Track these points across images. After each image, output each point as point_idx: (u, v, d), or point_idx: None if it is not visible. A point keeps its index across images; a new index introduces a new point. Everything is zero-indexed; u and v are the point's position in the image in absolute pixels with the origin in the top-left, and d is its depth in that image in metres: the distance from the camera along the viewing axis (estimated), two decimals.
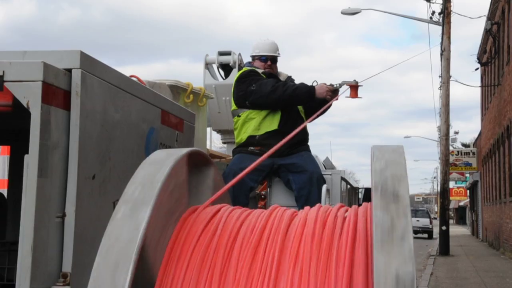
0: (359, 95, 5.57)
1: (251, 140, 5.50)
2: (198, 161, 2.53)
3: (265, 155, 3.29)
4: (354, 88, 5.56)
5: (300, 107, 5.70)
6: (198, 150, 2.55)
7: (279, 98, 5.41)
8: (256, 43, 5.85)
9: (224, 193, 2.59)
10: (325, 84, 5.55)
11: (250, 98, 5.48)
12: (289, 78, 5.88)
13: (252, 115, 5.54)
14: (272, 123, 5.50)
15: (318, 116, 4.99)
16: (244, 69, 5.78)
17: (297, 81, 5.86)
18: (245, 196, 5.26)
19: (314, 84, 5.60)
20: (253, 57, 5.83)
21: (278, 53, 5.84)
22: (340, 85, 5.58)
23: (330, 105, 5.38)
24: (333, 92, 5.54)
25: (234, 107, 5.72)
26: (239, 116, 5.64)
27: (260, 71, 5.69)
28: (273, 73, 5.76)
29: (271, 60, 5.76)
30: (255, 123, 5.50)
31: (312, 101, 5.52)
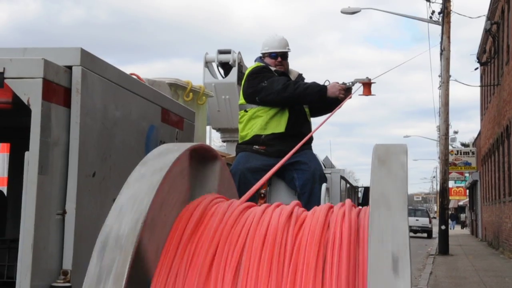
0: (372, 92, 5.53)
1: (256, 138, 5.41)
2: (204, 156, 2.55)
3: (280, 163, 3.34)
4: (367, 85, 5.51)
5: (306, 109, 5.63)
6: (204, 145, 2.56)
7: (289, 96, 5.31)
8: (265, 40, 5.71)
9: (233, 194, 2.62)
10: (337, 83, 5.46)
11: (260, 94, 5.37)
12: (300, 76, 5.78)
13: (260, 113, 5.44)
14: (279, 125, 5.41)
15: (332, 115, 4.96)
16: (257, 64, 5.64)
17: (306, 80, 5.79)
18: (251, 197, 5.19)
19: (326, 83, 5.51)
20: (263, 54, 5.68)
21: (288, 49, 5.69)
22: (353, 83, 5.51)
23: (343, 104, 5.35)
24: (346, 90, 5.46)
25: (242, 101, 5.61)
26: (246, 111, 5.53)
27: (272, 68, 5.57)
28: (285, 72, 5.65)
29: (281, 57, 5.62)
30: (262, 121, 5.41)
31: (323, 100, 5.42)
